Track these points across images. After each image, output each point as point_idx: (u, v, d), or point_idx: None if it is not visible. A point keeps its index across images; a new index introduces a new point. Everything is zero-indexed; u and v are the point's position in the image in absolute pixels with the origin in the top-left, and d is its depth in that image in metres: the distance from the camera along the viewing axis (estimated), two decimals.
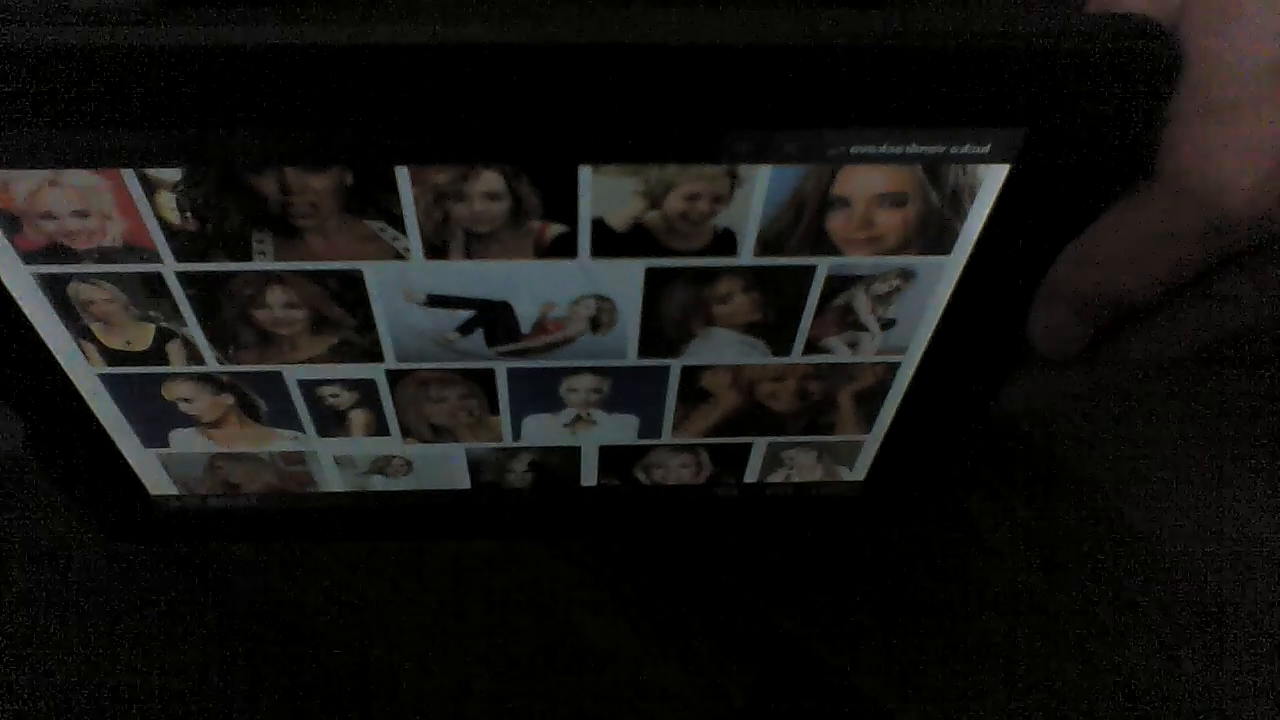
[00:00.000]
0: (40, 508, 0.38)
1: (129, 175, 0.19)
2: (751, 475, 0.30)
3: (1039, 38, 0.17)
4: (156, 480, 0.28)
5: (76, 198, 0.19)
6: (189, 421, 0.26)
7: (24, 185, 0.19)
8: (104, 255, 0.21)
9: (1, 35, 0.16)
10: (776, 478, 0.30)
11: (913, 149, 0.19)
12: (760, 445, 0.29)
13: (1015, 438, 0.42)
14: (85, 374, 0.24)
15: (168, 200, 0.20)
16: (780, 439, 0.28)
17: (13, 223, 0.20)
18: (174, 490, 0.29)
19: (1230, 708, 0.36)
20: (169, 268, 0.21)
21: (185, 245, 0.20)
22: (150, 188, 0.19)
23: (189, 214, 0.20)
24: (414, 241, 0.21)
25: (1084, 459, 0.41)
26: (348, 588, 0.37)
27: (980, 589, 0.39)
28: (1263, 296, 0.21)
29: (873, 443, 0.29)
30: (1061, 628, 0.38)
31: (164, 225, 0.20)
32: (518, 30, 0.17)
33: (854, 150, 0.19)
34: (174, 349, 0.23)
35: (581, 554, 0.38)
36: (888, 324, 0.24)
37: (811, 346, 0.24)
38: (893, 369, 0.26)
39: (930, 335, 0.24)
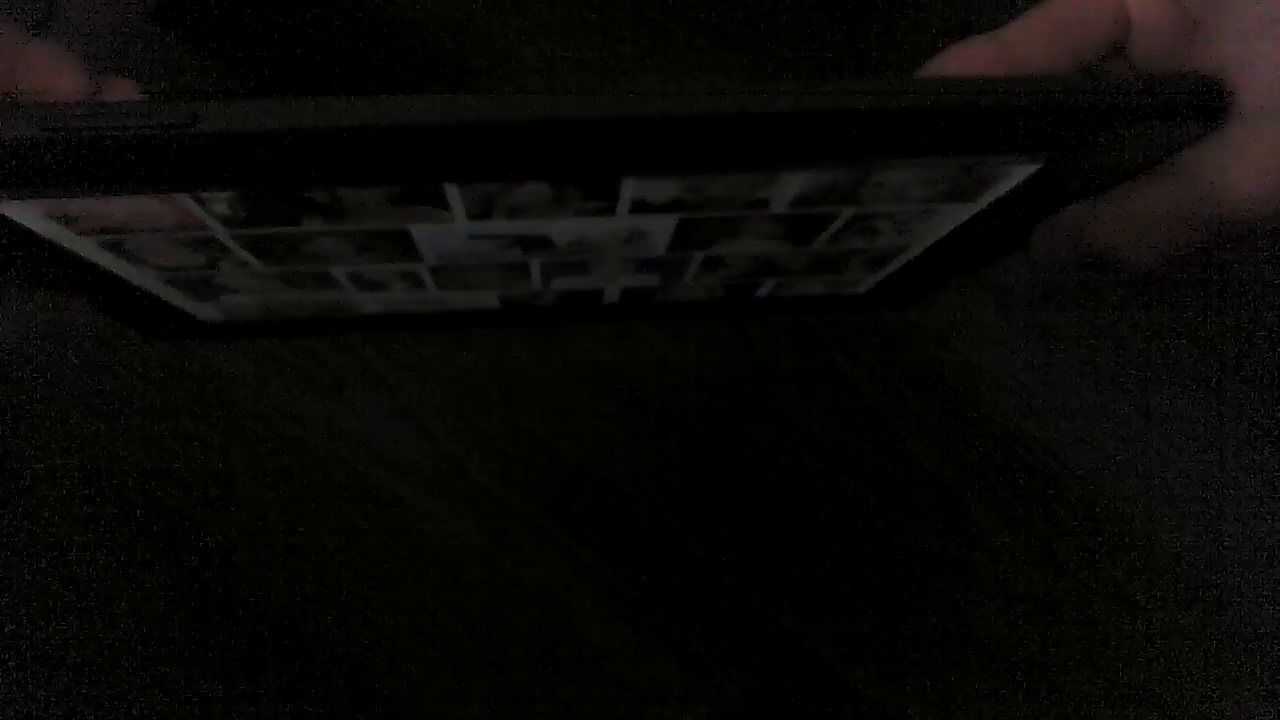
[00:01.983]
0: (36, 495, 0.38)
1: (181, 196, 0.20)
2: (762, 294, 0.32)
3: (1090, 96, 0.18)
4: (207, 315, 0.30)
5: (129, 208, 0.20)
6: (239, 291, 0.28)
7: (78, 204, 0.20)
8: (157, 230, 0.22)
9: (45, 125, 0.16)
10: (784, 293, 0.32)
11: (946, 159, 0.20)
12: (771, 282, 0.30)
13: (1015, 438, 0.42)
14: (142, 278, 0.25)
15: (219, 205, 0.20)
16: (791, 278, 0.30)
17: (69, 220, 0.21)
18: (221, 319, 0.30)
19: (1230, 707, 0.36)
20: (220, 233, 0.22)
21: (237, 223, 0.22)
22: (202, 200, 0.20)
23: (240, 210, 0.21)
24: (458, 213, 0.22)
25: (1083, 459, 0.41)
26: (348, 588, 0.37)
27: (980, 589, 0.39)
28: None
29: (877, 277, 0.30)
30: (1061, 628, 0.38)
31: (215, 216, 0.21)
32: (575, 103, 0.17)
33: (891, 162, 0.20)
34: (225, 265, 0.25)
35: (581, 554, 0.38)
36: (905, 231, 0.25)
37: (831, 242, 0.26)
38: (902, 248, 0.27)
39: (940, 237, 0.26)
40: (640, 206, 0.22)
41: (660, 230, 0.24)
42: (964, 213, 0.24)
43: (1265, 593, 0.39)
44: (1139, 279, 0.42)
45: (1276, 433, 0.42)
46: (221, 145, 0.17)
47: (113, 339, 0.39)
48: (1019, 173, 0.21)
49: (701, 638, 0.37)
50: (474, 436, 0.39)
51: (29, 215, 0.20)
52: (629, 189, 0.20)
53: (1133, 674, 0.37)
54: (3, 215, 0.20)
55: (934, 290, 0.32)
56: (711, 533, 0.39)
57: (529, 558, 0.38)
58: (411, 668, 0.36)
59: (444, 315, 0.31)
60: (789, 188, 0.21)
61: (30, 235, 0.21)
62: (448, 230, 0.23)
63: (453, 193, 0.20)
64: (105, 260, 0.23)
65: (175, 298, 0.27)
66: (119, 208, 0.20)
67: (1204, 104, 0.18)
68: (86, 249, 0.22)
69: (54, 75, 0.20)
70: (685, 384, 0.40)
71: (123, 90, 0.21)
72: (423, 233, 0.23)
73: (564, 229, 0.23)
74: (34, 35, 0.20)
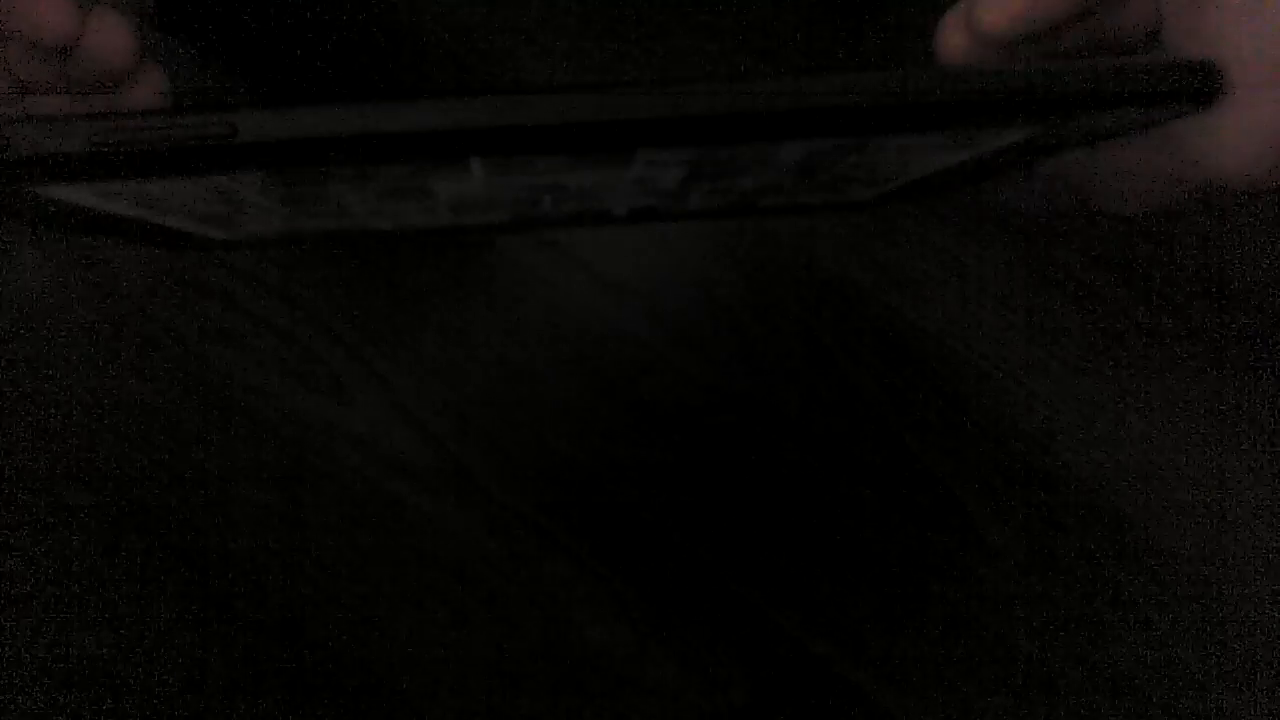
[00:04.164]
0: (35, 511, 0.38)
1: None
2: (764, 204, 0.33)
3: (1083, 84, 0.18)
4: (226, 235, 0.31)
5: (166, 183, 0.21)
6: (259, 222, 0.29)
7: (117, 183, 0.21)
8: (190, 193, 0.23)
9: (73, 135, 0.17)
10: (786, 202, 0.33)
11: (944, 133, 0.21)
12: (775, 198, 0.32)
13: (1015, 437, 0.42)
14: (168, 221, 0.27)
15: (251, 178, 0.21)
16: (793, 196, 0.31)
17: (106, 193, 0.22)
18: (239, 238, 0.32)
19: (1230, 707, 0.36)
20: (248, 188, 0.23)
21: (265, 184, 0.23)
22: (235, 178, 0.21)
23: (272, 184, 0.22)
24: (477, 174, 0.23)
25: (1083, 459, 0.41)
26: (348, 588, 0.37)
27: (980, 589, 0.39)
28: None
29: (878, 190, 0.31)
30: (1061, 628, 0.38)
31: (247, 185, 0.22)
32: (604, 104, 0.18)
33: (892, 139, 0.21)
34: (250, 210, 0.26)
35: (581, 554, 0.38)
36: (905, 165, 0.26)
37: (833, 175, 0.27)
38: (902, 173, 0.28)
39: (942, 168, 0.27)
40: (653, 163, 0.23)
41: (670, 175, 0.25)
42: (962, 155, 0.25)
43: (1265, 593, 0.39)
44: (1140, 278, 0.42)
45: (1277, 433, 0.42)
46: (259, 150, 0.17)
47: (114, 339, 0.39)
48: (1015, 134, 0.22)
49: (701, 638, 0.37)
50: (474, 436, 0.39)
51: (67, 193, 0.21)
52: (643, 153, 0.21)
53: (1132, 674, 0.37)
54: (38, 193, 0.21)
55: (933, 197, 0.33)
56: (712, 533, 0.39)
57: (529, 558, 0.38)
58: (411, 668, 0.36)
59: (453, 229, 0.32)
60: (796, 150, 0.22)
61: (63, 203, 0.22)
62: (466, 183, 0.24)
63: (474, 161, 0.21)
64: (135, 213, 0.25)
65: (196, 228, 0.29)
66: (157, 184, 0.21)
67: (1197, 89, 0.18)
68: (119, 208, 0.23)
69: (38, 5, 0.20)
70: (685, 384, 0.40)
71: (107, 20, 0.22)
72: (442, 185, 0.24)
73: (579, 179, 0.24)
74: None
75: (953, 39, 0.22)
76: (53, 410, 0.39)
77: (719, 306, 0.41)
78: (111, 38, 0.22)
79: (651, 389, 0.40)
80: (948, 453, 0.40)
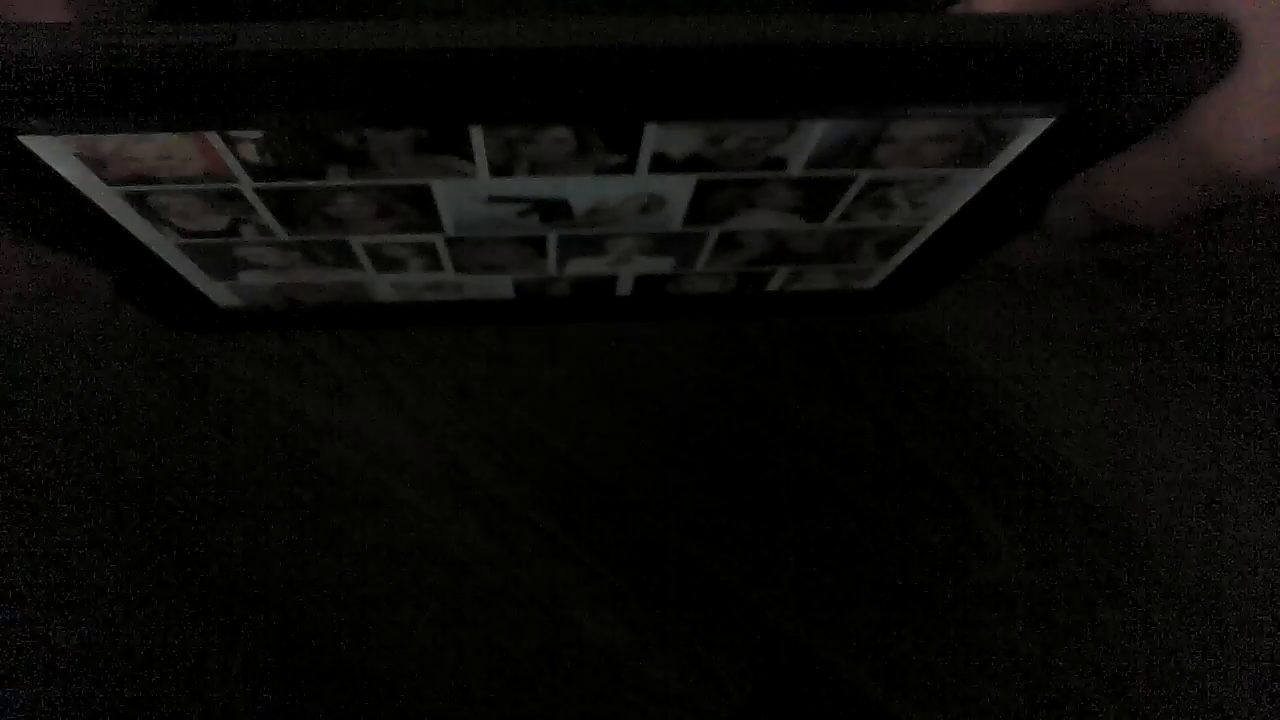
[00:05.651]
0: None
1: (211, 135, 0.20)
2: (773, 287, 0.32)
3: (1099, 33, 0.18)
4: (223, 298, 0.30)
5: (159, 149, 0.20)
6: (257, 267, 0.28)
7: (109, 143, 0.20)
8: (184, 180, 0.22)
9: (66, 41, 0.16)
10: (795, 287, 0.32)
11: (965, 109, 0.20)
12: (784, 270, 0.31)
13: (1015, 438, 0.42)
14: (163, 245, 0.26)
15: (248, 148, 0.20)
16: (803, 266, 0.30)
17: (98, 164, 0.21)
18: (239, 304, 0.30)
19: (1230, 707, 0.37)
20: (246, 185, 0.22)
21: (263, 173, 0.22)
22: (231, 141, 0.20)
23: (268, 155, 0.21)
24: (481, 166, 0.22)
25: (1084, 459, 0.41)
26: (348, 588, 0.37)
27: (980, 589, 0.39)
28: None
29: (888, 268, 0.30)
30: (1061, 628, 0.38)
31: (243, 162, 0.21)
32: (610, 30, 0.17)
33: (911, 110, 0.20)
34: (247, 229, 0.25)
35: (581, 553, 0.38)
36: (919, 205, 0.26)
37: (844, 217, 0.26)
38: (917, 228, 0.27)
39: (955, 212, 0.26)
40: (659, 164, 0.22)
41: (677, 197, 0.24)
42: (977, 181, 0.24)
43: (1264, 592, 0.39)
44: (1140, 278, 0.42)
45: (1276, 433, 0.42)
46: (257, 68, 0.17)
47: (113, 339, 0.39)
48: (1033, 129, 0.21)
49: (701, 638, 0.37)
50: (474, 436, 0.39)
51: (57, 154, 0.20)
52: (650, 139, 0.21)
53: (1132, 673, 0.37)
54: (31, 152, 0.20)
55: (942, 286, 0.33)
56: (712, 533, 0.39)
57: (529, 558, 0.38)
58: (411, 668, 0.36)
59: (457, 306, 0.32)
60: (806, 142, 0.21)
61: (56, 180, 0.21)
62: (468, 189, 0.23)
63: (477, 140, 0.20)
64: (127, 219, 0.24)
65: (192, 273, 0.28)
66: (148, 150, 0.20)
67: (1214, 42, 0.18)
68: (110, 202, 0.23)
69: (33, 13, 0.20)
70: (685, 384, 0.40)
71: None
72: (444, 191, 0.23)
73: (583, 191, 0.24)
74: None
75: None
76: (52, 410, 0.39)
77: None
78: None
79: (651, 388, 0.40)
80: (948, 453, 0.40)
